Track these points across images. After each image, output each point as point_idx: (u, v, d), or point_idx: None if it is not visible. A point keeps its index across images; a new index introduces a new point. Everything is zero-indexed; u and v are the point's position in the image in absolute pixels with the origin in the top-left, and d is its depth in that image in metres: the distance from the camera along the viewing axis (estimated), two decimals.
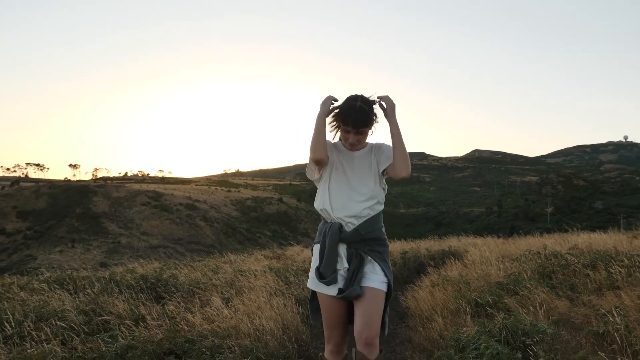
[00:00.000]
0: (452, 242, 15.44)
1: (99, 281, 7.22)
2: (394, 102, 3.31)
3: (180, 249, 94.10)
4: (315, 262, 3.33)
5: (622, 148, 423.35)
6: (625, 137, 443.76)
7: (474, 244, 14.14)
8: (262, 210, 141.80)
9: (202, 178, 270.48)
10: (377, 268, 3.25)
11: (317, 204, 3.38)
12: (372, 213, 3.28)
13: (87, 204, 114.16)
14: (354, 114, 3.19)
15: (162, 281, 7.39)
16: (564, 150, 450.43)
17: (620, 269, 6.58)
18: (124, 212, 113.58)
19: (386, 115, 3.29)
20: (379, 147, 3.38)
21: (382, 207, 3.36)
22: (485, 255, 9.85)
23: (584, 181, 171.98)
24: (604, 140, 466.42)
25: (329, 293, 3.27)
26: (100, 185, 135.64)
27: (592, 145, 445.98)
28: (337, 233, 3.22)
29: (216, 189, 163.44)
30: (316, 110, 3.28)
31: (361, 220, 3.24)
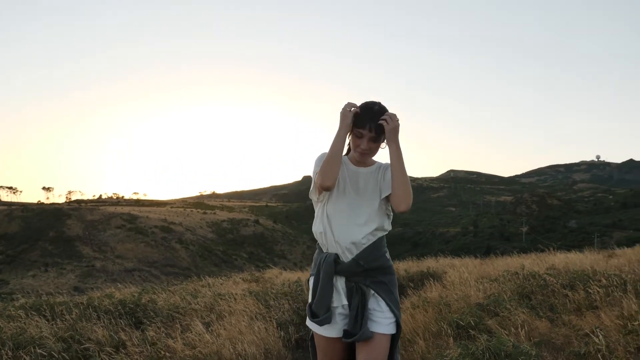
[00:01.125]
0: (430, 263, 15.45)
1: (77, 307, 7.11)
2: (399, 122, 2.83)
3: (155, 272, 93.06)
4: (310, 298, 2.94)
5: (595, 167, 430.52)
6: (598, 157, 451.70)
7: (452, 264, 14.18)
8: (238, 232, 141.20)
9: (177, 200, 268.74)
10: (382, 304, 2.85)
11: (316, 227, 2.95)
12: (373, 239, 2.86)
13: (61, 228, 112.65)
14: (373, 115, 2.81)
15: (141, 306, 7.29)
16: (538, 170, 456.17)
17: (598, 289, 6.66)
18: (98, 235, 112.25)
19: (386, 138, 2.84)
20: (387, 167, 2.96)
21: (385, 233, 2.94)
22: (464, 276, 9.88)
23: (558, 200, 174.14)
24: (576, 160, 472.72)
25: (328, 335, 2.90)
26: (74, 208, 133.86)
27: (565, 164, 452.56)
28: (333, 265, 2.81)
29: (192, 211, 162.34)
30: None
31: (360, 249, 2.82)
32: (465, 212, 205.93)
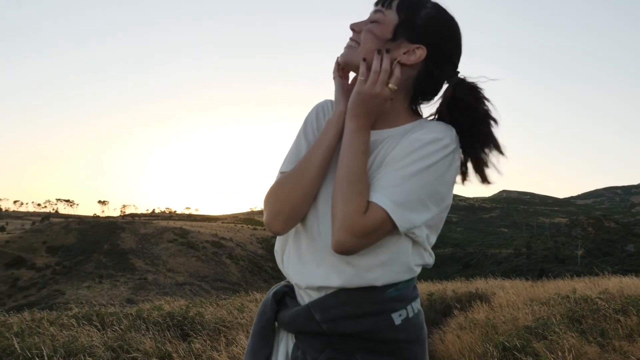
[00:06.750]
0: (480, 284, 15.28)
1: (127, 318, 7.29)
2: (387, 91, 1.35)
3: (205, 286, 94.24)
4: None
5: None
6: None
7: (501, 286, 13.99)
8: None
9: (228, 216, 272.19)
10: None
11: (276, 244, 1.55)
12: (366, 278, 1.33)
13: (115, 240, 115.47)
14: None
15: (189, 319, 7.42)
16: (594, 192, 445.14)
17: None
18: (150, 249, 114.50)
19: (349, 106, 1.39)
20: (420, 127, 1.40)
21: (408, 275, 1.39)
22: (512, 298, 9.75)
23: (615, 223, 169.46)
24: (635, 182, 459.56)
25: None
26: (128, 222, 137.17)
27: (623, 187, 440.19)
28: (273, 307, 1.47)
29: (242, 226, 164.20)
30: None
31: (324, 291, 1.38)
32: (518, 233, 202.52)
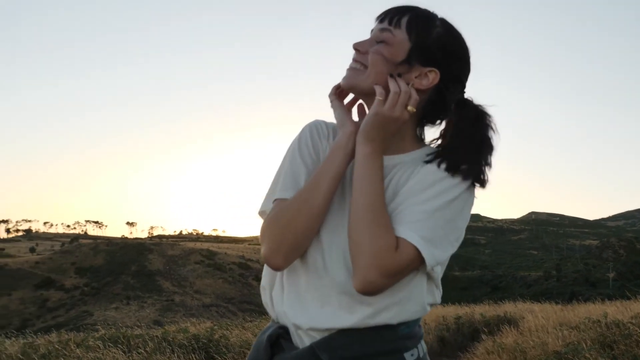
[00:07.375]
0: (508, 308, 15.05)
1: (152, 340, 7.31)
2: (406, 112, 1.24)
3: (232, 308, 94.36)
4: None
5: None
6: None
7: (531, 310, 13.78)
8: None
9: (255, 237, 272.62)
10: None
11: (263, 279, 1.43)
12: (382, 317, 1.23)
13: (143, 262, 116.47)
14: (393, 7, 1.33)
15: (214, 341, 7.42)
16: (626, 213, 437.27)
17: None
18: (178, 270, 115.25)
19: (360, 129, 1.28)
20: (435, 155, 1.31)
21: (415, 314, 1.28)
22: (542, 322, 9.59)
23: None
24: None
25: None
26: (156, 244, 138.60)
27: None
28: (267, 351, 1.31)
29: None
30: None
31: (334, 326, 1.24)
32: (547, 255, 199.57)
